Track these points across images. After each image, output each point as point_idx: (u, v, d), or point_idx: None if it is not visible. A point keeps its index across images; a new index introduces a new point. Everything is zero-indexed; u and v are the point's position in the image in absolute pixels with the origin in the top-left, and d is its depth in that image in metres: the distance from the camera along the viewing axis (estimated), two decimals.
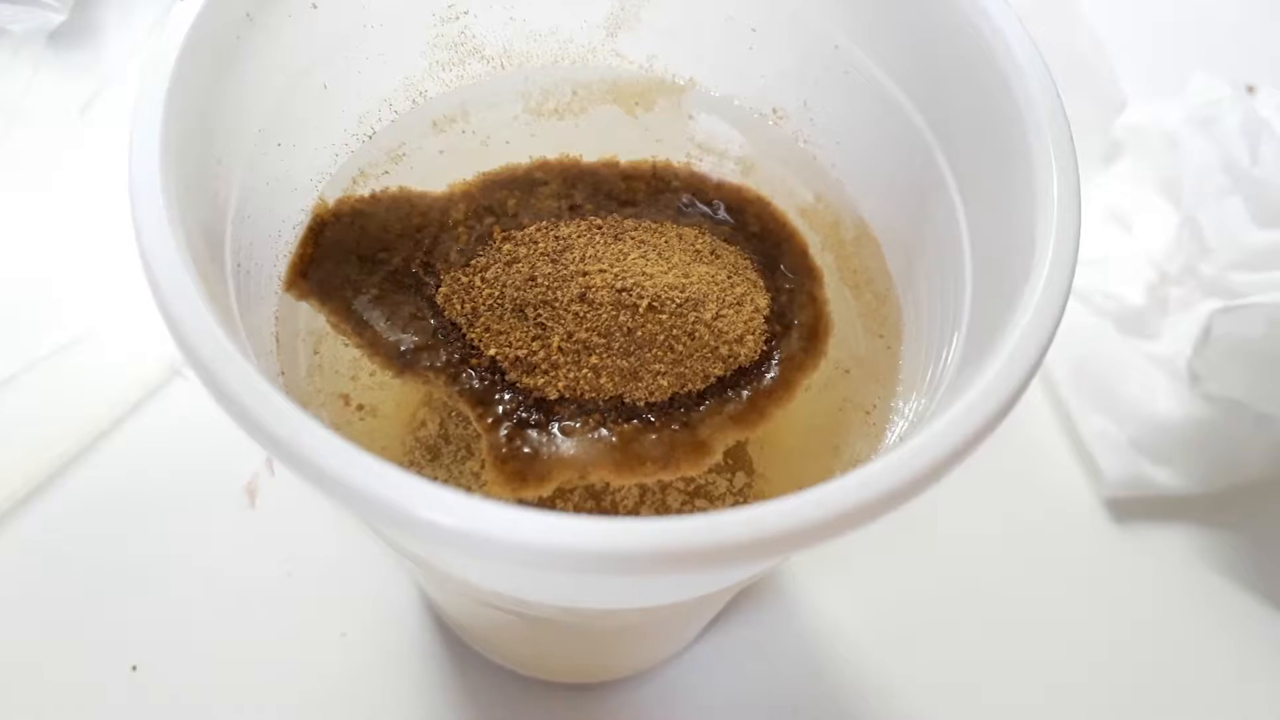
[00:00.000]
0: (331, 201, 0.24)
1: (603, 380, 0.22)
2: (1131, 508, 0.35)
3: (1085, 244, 0.40)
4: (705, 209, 0.25)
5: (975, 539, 0.34)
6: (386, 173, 0.25)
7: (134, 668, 0.29)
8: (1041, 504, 0.35)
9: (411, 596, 0.31)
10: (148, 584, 0.30)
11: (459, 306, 0.23)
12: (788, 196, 0.25)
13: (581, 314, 0.22)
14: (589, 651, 0.27)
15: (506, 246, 0.23)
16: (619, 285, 0.22)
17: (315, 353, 0.22)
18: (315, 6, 0.21)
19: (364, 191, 0.24)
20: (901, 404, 0.22)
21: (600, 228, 0.24)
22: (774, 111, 0.26)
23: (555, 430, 0.22)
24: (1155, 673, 0.32)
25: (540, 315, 0.22)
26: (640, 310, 0.22)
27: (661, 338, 0.22)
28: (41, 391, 0.33)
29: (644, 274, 0.22)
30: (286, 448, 0.14)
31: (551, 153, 0.25)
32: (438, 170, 0.25)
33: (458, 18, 0.24)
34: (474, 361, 0.22)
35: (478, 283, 0.23)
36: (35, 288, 0.36)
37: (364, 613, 0.30)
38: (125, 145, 0.17)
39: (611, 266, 0.23)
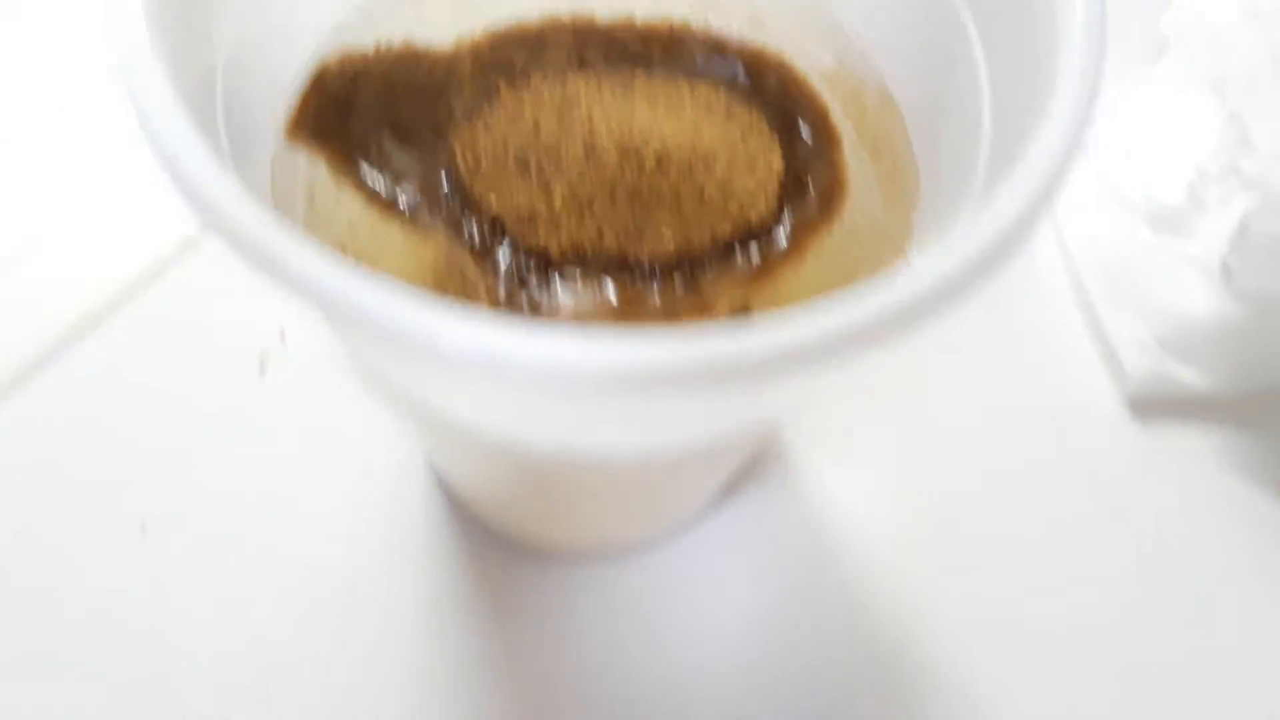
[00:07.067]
0: (335, 53, 0.23)
1: (606, 238, 0.21)
2: (1156, 408, 0.34)
3: (1121, 143, 0.38)
4: (722, 68, 0.24)
5: (991, 434, 0.33)
6: (392, 19, 0.24)
7: (143, 527, 0.29)
8: (1062, 401, 0.34)
9: (420, 468, 0.31)
10: (157, 446, 0.31)
11: (462, 161, 0.22)
12: (807, 59, 0.24)
13: (586, 168, 0.21)
14: (589, 511, 0.26)
15: (511, 101, 0.23)
16: (626, 140, 0.21)
17: (311, 206, 0.22)
18: None
19: (367, 45, 0.23)
20: (914, 260, 0.22)
21: (609, 83, 0.23)
22: None
23: (556, 287, 0.21)
24: (1177, 575, 0.32)
25: (544, 169, 0.22)
26: (647, 166, 0.21)
27: (669, 195, 0.21)
28: (52, 262, 0.33)
29: (652, 129, 0.22)
30: (283, 264, 0.14)
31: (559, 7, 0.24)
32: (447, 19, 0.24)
33: None
34: (476, 217, 0.22)
35: (481, 136, 0.22)
36: (41, 155, 0.35)
37: (370, 481, 0.30)
38: None
39: (619, 121, 0.22)
